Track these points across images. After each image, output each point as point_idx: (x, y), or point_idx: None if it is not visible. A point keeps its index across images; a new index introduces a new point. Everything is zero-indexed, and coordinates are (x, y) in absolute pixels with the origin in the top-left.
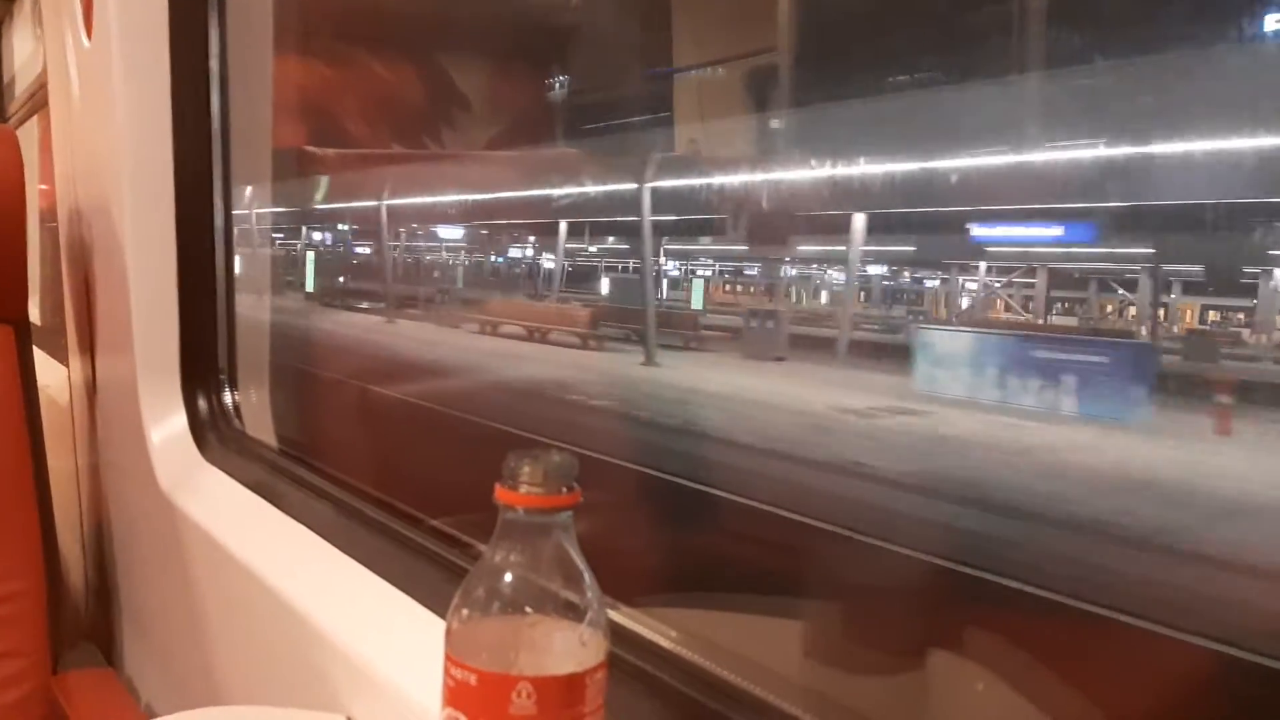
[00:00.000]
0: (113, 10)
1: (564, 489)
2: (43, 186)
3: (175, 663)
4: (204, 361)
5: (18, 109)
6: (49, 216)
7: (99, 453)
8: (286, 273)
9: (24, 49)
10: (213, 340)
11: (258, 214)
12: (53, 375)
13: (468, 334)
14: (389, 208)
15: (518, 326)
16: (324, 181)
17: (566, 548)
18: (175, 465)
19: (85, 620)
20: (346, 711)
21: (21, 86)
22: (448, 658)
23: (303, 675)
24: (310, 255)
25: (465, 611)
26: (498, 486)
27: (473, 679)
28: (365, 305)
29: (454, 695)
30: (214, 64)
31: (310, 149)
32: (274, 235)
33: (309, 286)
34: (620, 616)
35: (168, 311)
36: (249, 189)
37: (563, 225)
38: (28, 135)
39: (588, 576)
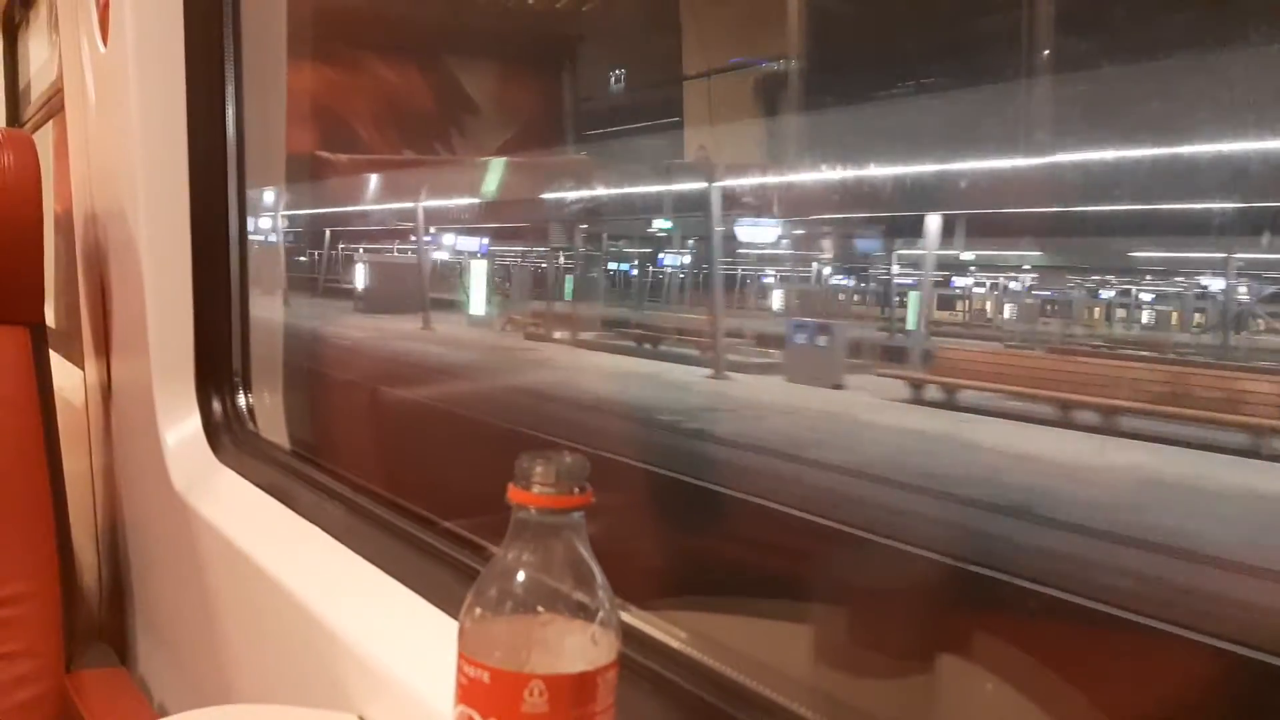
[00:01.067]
0: (129, 16)
1: (576, 489)
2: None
3: (188, 662)
4: (218, 364)
5: (33, 114)
6: (63, 221)
7: (113, 454)
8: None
9: (40, 55)
10: (227, 343)
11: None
12: (68, 378)
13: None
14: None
15: (1037, 399)
16: (496, 171)
17: (578, 547)
18: (189, 467)
19: (98, 620)
20: (358, 711)
21: (37, 92)
22: (461, 656)
23: (315, 675)
24: (480, 266)
25: (478, 610)
26: (510, 486)
27: (486, 677)
28: (622, 343)
29: (467, 693)
30: (229, 69)
31: (323, 154)
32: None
33: (480, 306)
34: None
35: (183, 314)
36: (371, 182)
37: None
38: (43, 140)
39: (599, 576)
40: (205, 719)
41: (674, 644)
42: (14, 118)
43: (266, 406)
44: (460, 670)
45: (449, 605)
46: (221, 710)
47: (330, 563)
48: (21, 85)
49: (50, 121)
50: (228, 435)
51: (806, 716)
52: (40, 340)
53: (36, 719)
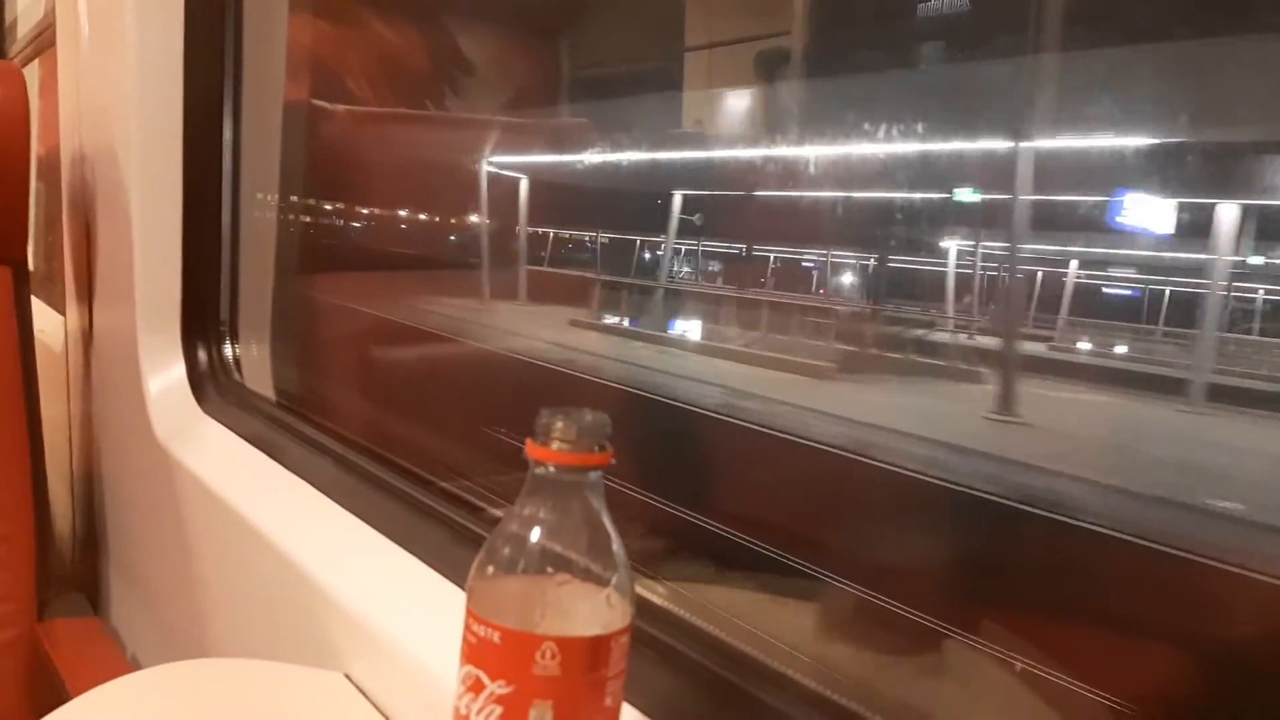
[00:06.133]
0: None
1: (596, 448)
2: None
3: (164, 614)
4: (206, 313)
5: (19, 50)
6: (46, 163)
7: (93, 402)
8: None
9: None
10: (215, 291)
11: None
12: (47, 322)
13: None
14: None
15: None
16: None
17: (595, 508)
18: (172, 416)
19: (71, 569)
20: (344, 669)
21: (24, 29)
22: (469, 614)
23: (298, 631)
24: None
25: (490, 568)
26: (528, 442)
27: (496, 637)
28: None
29: (474, 653)
30: (228, 11)
31: (320, 103)
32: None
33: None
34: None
35: (171, 260)
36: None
37: None
38: (28, 79)
39: (615, 539)
40: (182, 672)
41: (679, 611)
42: (0, 53)
43: (253, 357)
44: (468, 629)
45: (441, 564)
46: (200, 663)
47: (317, 517)
48: (8, 21)
49: (37, 60)
50: (212, 385)
51: (814, 688)
52: (22, 279)
53: (7, 665)
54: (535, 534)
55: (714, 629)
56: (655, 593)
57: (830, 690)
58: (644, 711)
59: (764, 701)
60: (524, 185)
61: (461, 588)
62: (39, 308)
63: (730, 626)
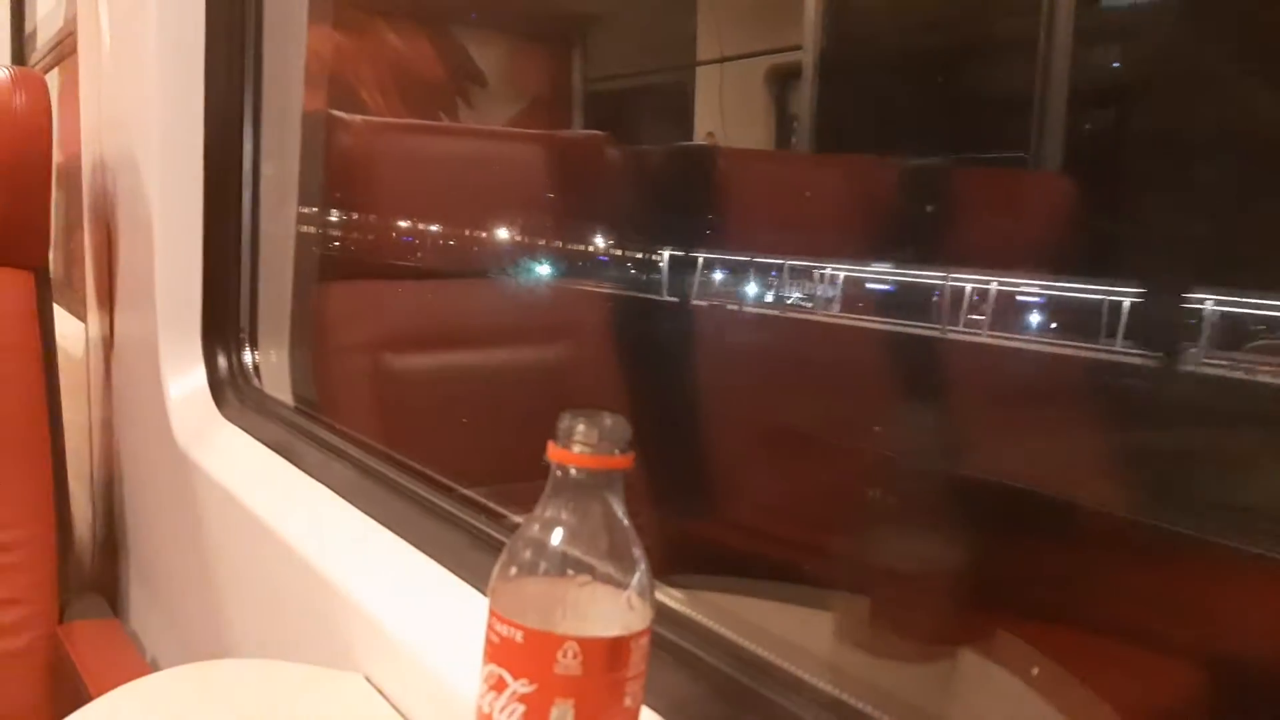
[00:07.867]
0: None
1: (617, 451)
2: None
3: (183, 617)
4: (226, 319)
5: (39, 60)
6: (65, 171)
7: (113, 408)
8: None
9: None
10: (235, 298)
11: None
12: (68, 328)
13: None
14: None
15: None
16: None
17: (616, 510)
18: (192, 421)
19: (91, 572)
20: (363, 671)
21: (44, 37)
22: (492, 613)
23: (317, 633)
24: None
25: (512, 569)
26: (550, 445)
27: (519, 636)
28: None
29: (497, 651)
30: (249, 17)
31: (337, 113)
32: None
33: None
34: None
35: (192, 267)
36: None
37: None
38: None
39: (635, 542)
40: (201, 672)
41: (696, 616)
42: (19, 63)
43: (272, 364)
44: (491, 628)
45: (460, 568)
46: (219, 664)
47: (337, 521)
48: (28, 30)
49: (57, 68)
50: (232, 390)
51: (830, 691)
52: (44, 286)
53: (28, 667)
54: (556, 536)
55: (728, 632)
56: (669, 596)
57: (849, 695)
58: (662, 715)
59: (784, 707)
60: None
61: (480, 592)
62: (59, 314)
63: (744, 629)
